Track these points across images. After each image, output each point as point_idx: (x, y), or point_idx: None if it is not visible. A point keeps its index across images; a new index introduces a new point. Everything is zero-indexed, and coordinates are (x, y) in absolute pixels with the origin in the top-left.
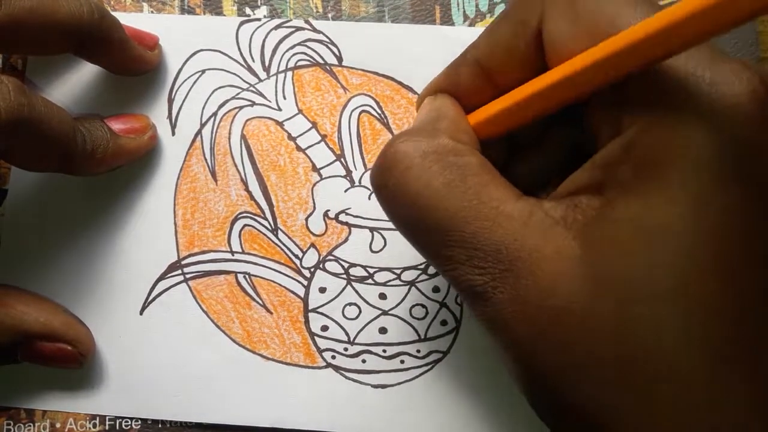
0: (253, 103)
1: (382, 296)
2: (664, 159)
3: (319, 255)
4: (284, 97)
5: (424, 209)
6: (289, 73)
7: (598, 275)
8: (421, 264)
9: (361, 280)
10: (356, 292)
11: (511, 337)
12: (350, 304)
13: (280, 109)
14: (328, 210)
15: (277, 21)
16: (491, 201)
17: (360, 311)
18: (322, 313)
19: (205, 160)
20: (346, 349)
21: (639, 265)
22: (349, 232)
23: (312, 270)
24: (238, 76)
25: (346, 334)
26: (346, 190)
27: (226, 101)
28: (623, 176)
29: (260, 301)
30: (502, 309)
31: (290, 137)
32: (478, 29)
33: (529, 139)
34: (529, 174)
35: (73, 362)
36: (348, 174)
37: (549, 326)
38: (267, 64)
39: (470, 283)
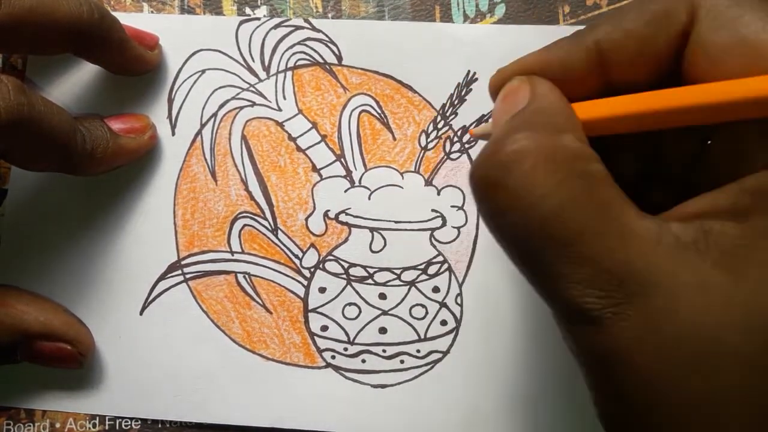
0: (254, 104)
1: (382, 296)
2: None
3: (319, 255)
4: (284, 97)
5: (542, 220)
6: (289, 73)
7: (749, 313)
8: (421, 264)
9: (361, 280)
10: (356, 292)
11: (624, 370)
12: (350, 304)
13: (280, 110)
14: (328, 210)
15: (276, 20)
16: (620, 217)
17: (360, 311)
18: (321, 313)
19: (205, 160)
20: (345, 349)
21: None
22: (349, 233)
23: (312, 270)
24: (238, 75)
25: (346, 334)
26: (346, 191)
27: (227, 101)
28: None
29: (260, 301)
30: (622, 337)
31: (290, 138)
32: (479, 26)
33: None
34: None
35: (73, 362)
36: (348, 174)
37: (690, 361)
38: (267, 63)
39: (584, 306)
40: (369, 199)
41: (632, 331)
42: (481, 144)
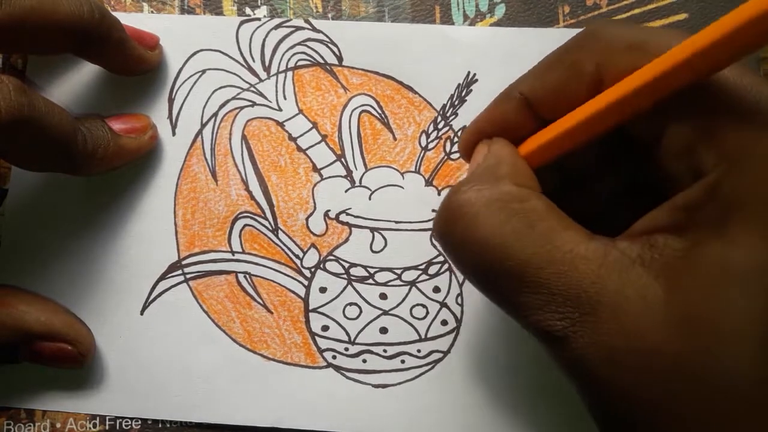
0: (254, 104)
1: (383, 296)
2: (752, 201)
3: (320, 255)
4: (285, 98)
5: (494, 257)
6: (290, 73)
7: (688, 318)
8: (421, 264)
9: (362, 280)
10: (357, 292)
11: (593, 381)
12: (351, 304)
13: (280, 110)
14: (329, 210)
15: (277, 20)
16: (564, 244)
17: (360, 311)
18: (322, 313)
19: (206, 160)
20: (346, 349)
21: (730, 308)
22: (350, 232)
23: (312, 270)
24: (239, 76)
25: (347, 334)
26: (346, 191)
27: (227, 101)
28: (709, 218)
29: (261, 301)
30: (584, 353)
31: (291, 138)
32: (479, 29)
33: (581, 168)
34: (584, 205)
35: (73, 362)
36: (348, 174)
37: (638, 369)
38: (267, 63)
39: (549, 329)
40: (369, 199)
41: (590, 347)
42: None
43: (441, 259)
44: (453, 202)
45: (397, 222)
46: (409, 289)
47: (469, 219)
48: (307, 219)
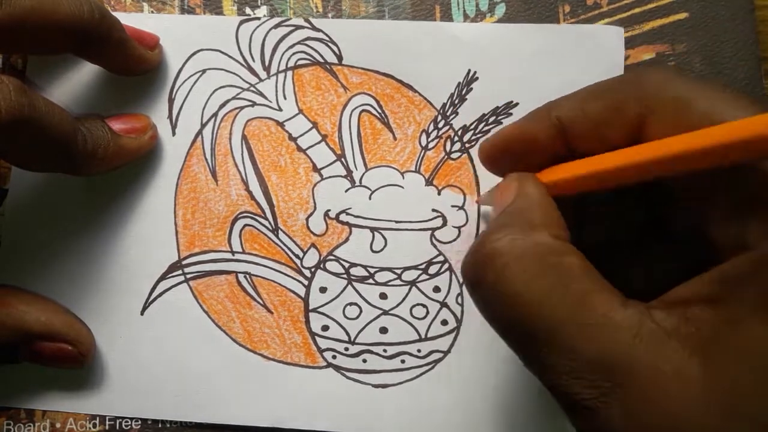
0: (254, 104)
1: (383, 296)
2: None
3: (320, 255)
4: (284, 97)
5: (523, 313)
6: (290, 73)
7: (725, 402)
8: (421, 264)
9: (362, 280)
10: (357, 291)
11: None
12: (351, 303)
13: (280, 110)
14: (329, 210)
15: (276, 20)
16: (598, 308)
17: (360, 311)
18: (322, 313)
19: (206, 160)
20: (346, 349)
21: (766, 395)
22: (350, 232)
23: (312, 270)
24: (239, 75)
25: (347, 333)
26: (346, 190)
27: (227, 101)
28: (751, 296)
29: (261, 301)
30: (612, 426)
31: (291, 138)
32: (480, 25)
33: (600, 203)
34: (602, 251)
35: (73, 362)
36: (348, 174)
37: None
38: (267, 63)
39: (577, 397)
40: (369, 198)
41: (618, 420)
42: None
43: (441, 258)
44: (485, 249)
45: (397, 222)
46: (409, 289)
47: (501, 269)
48: (307, 219)
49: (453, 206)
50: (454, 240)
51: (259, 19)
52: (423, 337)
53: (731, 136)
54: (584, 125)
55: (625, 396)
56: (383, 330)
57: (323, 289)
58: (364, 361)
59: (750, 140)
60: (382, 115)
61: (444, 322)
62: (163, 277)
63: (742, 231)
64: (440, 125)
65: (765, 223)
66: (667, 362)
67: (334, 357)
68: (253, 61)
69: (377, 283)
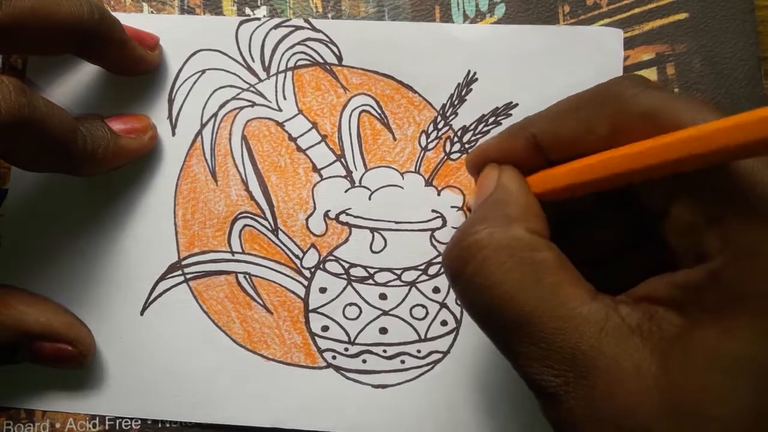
0: (254, 104)
1: (383, 296)
2: (754, 295)
3: (320, 255)
4: (284, 98)
5: (499, 304)
6: (289, 73)
7: (677, 400)
8: (421, 264)
9: (362, 280)
10: (357, 292)
11: None
12: (351, 304)
13: (280, 110)
14: (329, 210)
15: (276, 20)
16: (568, 301)
17: (360, 311)
18: (322, 314)
19: (206, 160)
20: (346, 350)
21: (719, 398)
22: (350, 233)
23: (312, 270)
24: (238, 76)
25: (347, 334)
26: (346, 191)
27: (227, 101)
28: (706, 303)
29: (261, 302)
30: (574, 415)
31: (291, 138)
32: (479, 26)
33: (583, 208)
34: (585, 243)
35: (73, 362)
36: (348, 174)
37: None
38: (267, 63)
39: (543, 383)
40: (369, 199)
41: (579, 410)
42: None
43: (441, 259)
44: (464, 242)
45: (396, 222)
46: (409, 290)
47: (479, 262)
48: (306, 219)
49: (453, 207)
50: None
51: (259, 19)
52: (423, 337)
53: (690, 147)
54: (558, 143)
55: (587, 386)
56: (383, 330)
57: (323, 290)
58: (364, 361)
59: (708, 153)
60: (382, 115)
61: (443, 323)
62: (162, 278)
63: (700, 243)
64: (440, 126)
65: (719, 237)
66: (628, 358)
67: (333, 357)
68: (253, 61)
69: (377, 284)
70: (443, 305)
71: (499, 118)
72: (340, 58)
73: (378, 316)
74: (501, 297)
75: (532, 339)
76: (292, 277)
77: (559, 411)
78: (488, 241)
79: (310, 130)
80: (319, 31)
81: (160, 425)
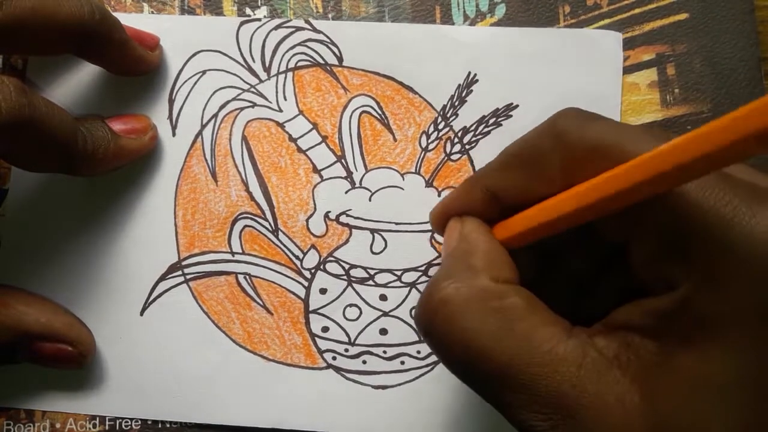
0: (254, 105)
1: (383, 297)
2: (723, 315)
3: (320, 256)
4: (285, 98)
5: (473, 358)
6: (290, 74)
7: (664, 429)
8: (421, 265)
9: (362, 281)
10: (357, 293)
11: None
12: (351, 305)
13: (280, 111)
14: (329, 211)
15: (277, 21)
16: (542, 344)
17: (360, 312)
18: (322, 314)
19: (206, 160)
20: (346, 350)
21: (704, 420)
22: (350, 234)
23: (312, 271)
24: (239, 76)
25: (347, 335)
26: (346, 192)
27: (227, 102)
28: (680, 330)
29: (261, 302)
30: None
31: (291, 139)
32: (480, 29)
33: (561, 246)
34: (565, 279)
35: (73, 363)
36: (349, 175)
37: None
38: (267, 64)
39: (532, 429)
40: (370, 200)
41: None
42: (483, 144)
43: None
44: (433, 299)
45: (397, 223)
46: (409, 291)
47: (448, 318)
48: (307, 220)
49: None
50: None
51: (259, 20)
52: (422, 338)
53: (636, 176)
54: (514, 193)
55: (574, 426)
56: (383, 331)
57: (323, 291)
58: (364, 362)
59: (654, 177)
60: (383, 116)
61: None
62: (162, 278)
63: (665, 273)
64: (440, 127)
65: (682, 265)
66: (610, 391)
67: (334, 358)
68: (254, 62)
69: (377, 285)
70: None
71: (500, 119)
72: (340, 59)
73: (378, 317)
74: (475, 350)
75: (513, 388)
76: (292, 278)
77: None
78: (455, 295)
79: (310, 130)
80: (319, 31)
81: (160, 425)
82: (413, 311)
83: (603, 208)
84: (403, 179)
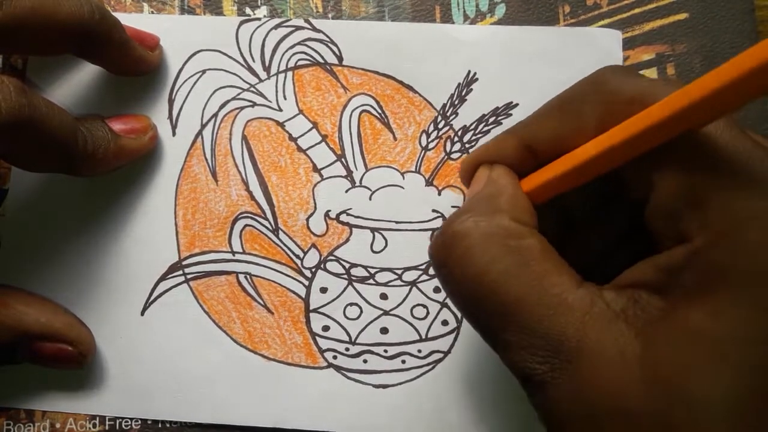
0: (254, 104)
1: (383, 296)
2: (734, 274)
3: (320, 255)
4: (285, 98)
5: (484, 292)
6: (290, 73)
7: (660, 381)
8: (422, 264)
9: (362, 280)
10: (357, 292)
11: (565, 428)
12: (351, 304)
13: (280, 110)
14: (329, 210)
15: (277, 20)
16: (553, 288)
17: (361, 311)
18: (323, 314)
19: (206, 160)
20: (347, 349)
21: (702, 377)
22: (350, 233)
23: (313, 270)
24: (239, 76)
25: (348, 334)
26: (347, 191)
27: (227, 102)
28: (687, 283)
29: (261, 302)
30: (560, 400)
31: (291, 138)
32: (479, 27)
33: (584, 212)
34: (586, 249)
35: (73, 363)
36: (349, 174)
37: (607, 425)
38: (267, 63)
39: (529, 371)
40: (370, 199)
41: (565, 396)
42: (483, 143)
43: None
44: (450, 231)
45: (397, 222)
46: (410, 290)
47: (464, 251)
48: (307, 219)
49: (453, 207)
50: None
51: (259, 19)
52: (423, 337)
53: (657, 114)
54: (548, 142)
55: (572, 372)
56: (384, 330)
57: (324, 290)
58: (365, 361)
59: (674, 115)
60: (383, 115)
61: (444, 323)
62: (163, 278)
63: (681, 226)
64: (440, 126)
65: (699, 217)
66: (613, 342)
67: (334, 357)
68: (254, 61)
69: (378, 284)
70: (444, 305)
71: (500, 118)
72: (340, 58)
73: (379, 316)
74: (486, 285)
75: (517, 326)
76: (292, 277)
77: (546, 398)
78: (473, 229)
79: (310, 130)
80: (319, 31)
81: (160, 425)
82: (428, 246)
83: (627, 151)
84: (404, 178)
